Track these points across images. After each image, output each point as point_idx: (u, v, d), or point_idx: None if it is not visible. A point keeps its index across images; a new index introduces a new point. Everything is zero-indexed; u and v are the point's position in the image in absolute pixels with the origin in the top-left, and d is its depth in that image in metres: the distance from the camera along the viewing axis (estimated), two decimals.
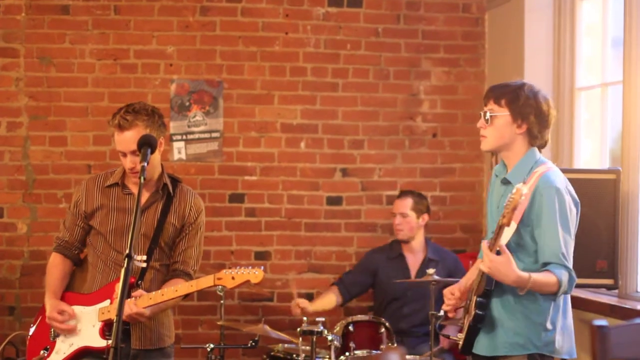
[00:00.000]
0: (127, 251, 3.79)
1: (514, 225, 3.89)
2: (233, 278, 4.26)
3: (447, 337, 5.72)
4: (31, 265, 6.66)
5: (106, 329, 4.36)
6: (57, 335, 4.50)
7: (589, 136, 6.16)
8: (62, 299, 4.53)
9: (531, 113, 4.05)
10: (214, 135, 6.82)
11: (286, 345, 5.83)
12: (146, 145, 4.16)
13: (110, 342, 3.73)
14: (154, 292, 4.34)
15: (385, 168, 6.98)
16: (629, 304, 5.24)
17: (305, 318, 5.57)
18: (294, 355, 5.65)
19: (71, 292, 4.59)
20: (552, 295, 3.96)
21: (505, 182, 4.12)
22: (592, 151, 6.13)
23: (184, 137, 6.79)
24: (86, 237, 4.62)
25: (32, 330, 4.68)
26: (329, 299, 6.38)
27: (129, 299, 4.26)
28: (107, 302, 4.41)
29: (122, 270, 3.75)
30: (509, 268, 3.83)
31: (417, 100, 7.01)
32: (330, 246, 6.93)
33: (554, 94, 6.24)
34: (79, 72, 6.73)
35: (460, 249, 6.90)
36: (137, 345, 4.48)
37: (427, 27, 7.00)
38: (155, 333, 4.54)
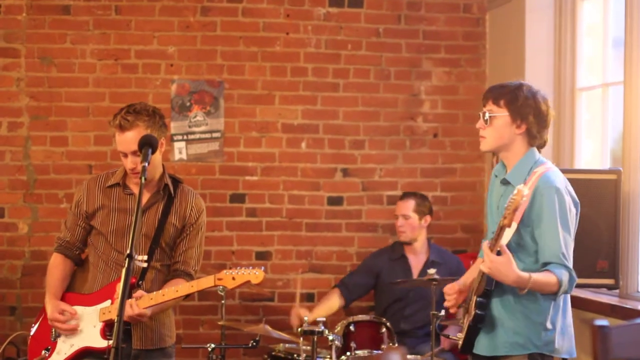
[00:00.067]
0: (128, 251, 3.80)
1: (514, 226, 3.90)
2: (233, 278, 4.26)
3: (447, 336, 5.73)
4: (32, 265, 6.66)
5: (107, 330, 4.36)
6: (58, 336, 4.50)
7: (589, 136, 6.16)
8: (63, 299, 4.53)
9: (530, 113, 4.05)
10: (215, 135, 6.82)
11: (287, 345, 5.83)
12: (147, 145, 4.16)
13: (111, 342, 3.73)
14: (154, 293, 4.34)
15: (386, 168, 6.98)
16: (629, 304, 5.24)
17: (306, 318, 5.57)
18: (295, 355, 5.64)
19: (72, 292, 4.59)
20: (552, 295, 3.96)
21: (505, 182, 4.12)
22: (593, 151, 6.13)
23: (185, 137, 6.79)
24: (87, 237, 4.62)
25: (33, 330, 4.68)
26: (332, 303, 6.37)
27: (129, 300, 4.26)
28: (108, 303, 4.41)
29: (123, 270, 3.76)
30: (509, 268, 3.83)
31: (418, 101, 7.01)
32: (331, 246, 6.93)
33: (554, 95, 6.24)
34: (79, 72, 6.73)
35: (461, 249, 6.90)
36: (138, 345, 4.48)
37: (428, 27, 7.00)
38: (156, 333, 4.54)
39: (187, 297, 4.46)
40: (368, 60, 6.95)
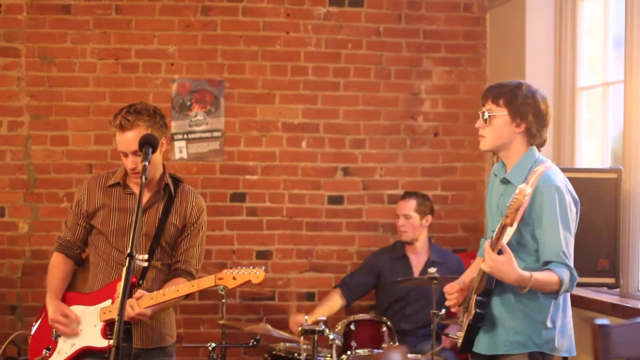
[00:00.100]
0: (129, 250, 3.80)
1: (515, 224, 3.90)
2: (234, 278, 4.27)
3: (446, 335, 5.74)
4: (32, 264, 6.67)
5: (108, 329, 4.36)
6: (59, 335, 4.50)
7: (590, 136, 6.16)
8: (64, 298, 4.54)
9: (529, 112, 4.06)
10: (215, 134, 6.82)
11: (288, 344, 5.83)
12: (147, 144, 4.17)
13: (111, 341, 3.73)
14: (155, 292, 4.34)
15: (387, 167, 6.98)
16: (630, 303, 5.25)
17: (306, 317, 5.57)
18: (296, 354, 5.64)
19: (73, 291, 4.59)
20: (553, 294, 3.96)
21: (505, 181, 4.12)
22: (593, 150, 6.13)
23: (185, 136, 6.79)
24: (88, 236, 4.62)
25: (33, 329, 4.68)
26: (333, 303, 6.38)
27: (130, 300, 4.26)
28: (108, 302, 4.41)
29: (124, 270, 3.76)
30: (510, 267, 3.83)
31: (418, 100, 7.01)
32: (331, 245, 6.93)
33: (555, 94, 6.24)
34: (80, 71, 6.73)
35: (461, 248, 6.90)
36: (138, 344, 4.49)
37: (428, 26, 7.00)
38: (157, 332, 4.54)
39: (188, 296, 4.46)
40: (368, 59, 6.95)
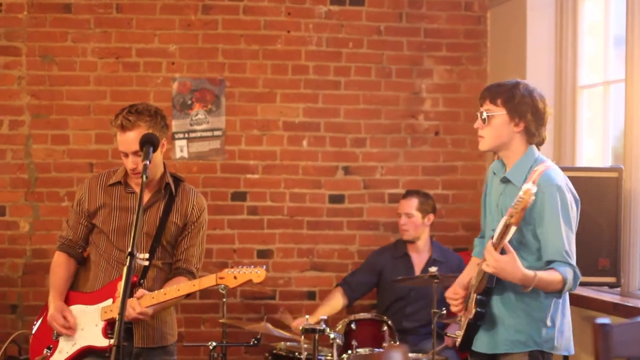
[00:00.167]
0: (129, 249, 3.81)
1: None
2: (235, 277, 4.26)
3: (445, 334, 5.74)
4: (33, 263, 6.67)
5: (109, 328, 4.36)
6: (59, 335, 4.50)
7: (591, 134, 6.16)
8: (65, 298, 4.53)
9: (528, 111, 4.06)
10: (216, 133, 6.82)
11: (288, 343, 5.83)
12: (148, 143, 4.17)
13: (112, 341, 3.73)
14: (156, 292, 4.34)
15: (388, 166, 6.98)
16: (631, 302, 5.25)
17: (307, 316, 5.57)
18: (296, 354, 5.64)
19: (74, 291, 4.59)
20: (556, 293, 3.96)
21: (505, 180, 4.12)
22: (594, 149, 6.13)
23: (186, 135, 6.79)
24: (89, 235, 4.62)
25: (34, 328, 4.68)
26: (335, 303, 6.38)
27: (131, 299, 4.26)
28: (109, 301, 4.41)
29: (125, 269, 3.76)
30: (515, 267, 3.83)
31: (419, 99, 7.01)
32: (332, 244, 6.93)
33: (556, 93, 6.24)
34: (81, 70, 6.73)
35: (462, 247, 6.89)
36: (139, 343, 4.49)
37: (429, 25, 7.00)
38: (158, 331, 4.54)
39: (189, 295, 4.46)
40: (369, 58, 6.95)
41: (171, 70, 6.79)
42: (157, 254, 4.52)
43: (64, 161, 6.71)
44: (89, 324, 4.44)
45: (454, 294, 4.25)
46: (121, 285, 3.80)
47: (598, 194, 5.26)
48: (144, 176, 4.03)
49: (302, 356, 5.43)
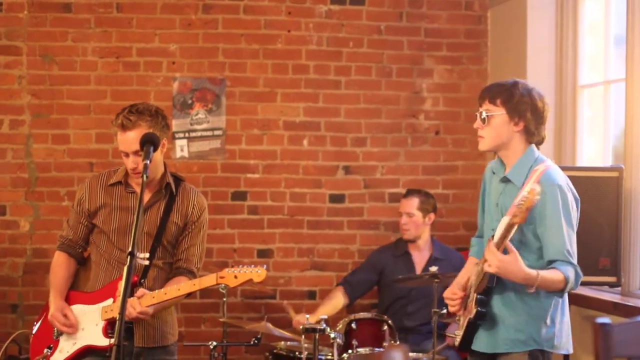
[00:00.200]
0: (130, 249, 3.81)
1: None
2: (236, 277, 4.27)
3: (444, 334, 5.73)
4: (34, 263, 6.67)
5: (109, 328, 4.36)
6: (60, 334, 4.50)
7: (591, 134, 6.16)
8: (66, 297, 4.54)
9: (527, 110, 4.07)
10: (217, 133, 6.82)
11: (289, 342, 5.83)
12: (148, 143, 4.17)
13: (113, 340, 3.73)
14: (157, 291, 4.34)
15: (388, 166, 6.98)
16: (631, 302, 5.25)
17: (307, 316, 5.57)
18: (297, 353, 5.64)
19: (74, 290, 4.59)
20: (558, 292, 3.97)
21: (505, 180, 4.13)
22: (594, 149, 6.13)
23: (187, 134, 6.79)
24: (89, 235, 4.62)
25: (35, 328, 4.68)
26: (336, 302, 6.38)
27: (132, 299, 4.27)
28: (110, 301, 4.41)
29: (125, 268, 3.76)
30: (517, 266, 3.84)
31: (419, 98, 7.01)
32: (332, 244, 6.93)
33: (556, 92, 6.24)
34: (81, 70, 6.73)
35: (463, 246, 6.88)
36: (140, 343, 4.49)
37: (429, 24, 7.00)
38: (158, 331, 4.54)
39: (190, 295, 4.46)
40: (370, 57, 6.95)
41: (172, 69, 6.79)
42: (157, 253, 4.52)
43: (65, 161, 6.71)
44: (90, 324, 4.44)
45: (453, 294, 4.26)
46: (122, 284, 3.80)
47: (598, 193, 5.25)
48: (145, 176, 4.03)
49: (302, 356, 5.43)
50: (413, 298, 6.27)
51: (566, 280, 3.90)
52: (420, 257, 6.39)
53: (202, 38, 6.81)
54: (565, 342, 4.12)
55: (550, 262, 3.95)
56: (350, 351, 5.50)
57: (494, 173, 4.24)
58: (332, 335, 5.37)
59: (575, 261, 3.95)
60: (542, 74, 6.26)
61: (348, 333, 5.60)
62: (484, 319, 4.07)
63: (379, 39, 6.96)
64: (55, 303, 4.48)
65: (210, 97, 6.81)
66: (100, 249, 4.56)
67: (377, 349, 5.53)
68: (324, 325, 5.33)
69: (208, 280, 4.32)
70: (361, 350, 5.51)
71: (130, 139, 4.36)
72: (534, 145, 4.15)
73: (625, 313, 5.10)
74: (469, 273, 4.29)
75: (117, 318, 3.68)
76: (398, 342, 5.62)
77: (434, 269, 5.58)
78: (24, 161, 6.68)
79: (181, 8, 6.79)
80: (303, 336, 5.42)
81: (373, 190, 6.97)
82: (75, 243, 4.62)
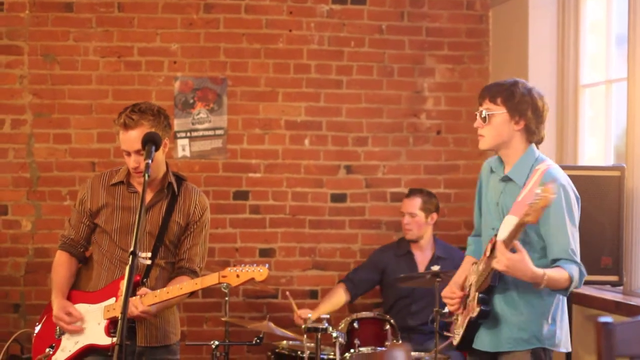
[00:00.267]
0: (132, 248, 3.81)
1: (515, 221, 3.89)
2: (238, 276, 4.27)
3: (442, 333, 5.72)
4: (36, 262, 6.66)
5: (111, 327, 4.37)
6: (62, 333, 4.51)
7: (593, 133, 6.16)
8: (68, 297, 4.54)
9: (528, 109, 4.08)
10: (218, 132, 6.82)
11: (291, 342, 5.83)
12: (150, 142, 4.18)
13: (115, 339, 3.73)
14: (159, 290, 4.35)
15: (390, 165, 6.97)
16: (634, 301, 5.25)
17: (309, 315, 5.57)
18: (299, 352, 5.64)
19: (76, 290, 4.59)
20: (563, 290, 3.98)
21: (506, 179, 4.13)
22: (596, 148, 6.13)
23: (188, 134, 6.79)
24: (91, 235, 4.63)
25: (37, 328, 4.68)
26: (337, 299, 6.38)
27: (134, 297, 4.27)
28: (112, 300, 4.41)
29: (127, 268, 3.77)
30: (525, 265, 3.84)
31: (421, 98, 7.01)
32: (334, 243, 6.93)
33: (558, 91, 6.25)
34: (83, 69, 6.73)
35: (465, 245, 6.86)
36: (142, 342, 4.50)
37: (431, 24, 7.00)
38: (161, 330, 4.55)
39: (192, 294, 4.46)
40: (371, 57, 6.95)
41: (173, 69, 6.79)
42: (160, 253, 4.52)
43: (66, 160, 6.71)
44: (92, 323, 4.45)
45: (452, 293, 4.26)
46: (124, 284, 3.80)
47: (600, 192, 5.25)
48: (146, 175, 4.03)
49: (304, 355, 5.43)
50: (417, 297, 6.26)
51: (571, 279, 3.91)
52: (422, 256, 6.39)
53: (203, 37, 6.81)
54: (565, 340, 4.15)
55: (555, 260, 3.96)
56: (352, 350, 5.50)
57: (492, 172, 4.24)
58: (334, 335, 5.37)
59: (579, 259, 3.97)
60: (543, 73, 6.26)
61: (350, 332, 5.60)
62: (487, 317, 4.07)
63: (381, 39, 6.96)
64: (57, 302, 4.49)
65: (211, 97, 6.81)
66: (103, 249, 4.56)
67: (379, 348, 5.53)
68: (326, 324, 5.34)
69: (210, 279, 4.32)
70: (363, 349, 5.52)
71: (132, 138, 4.37)
72: (534, 145, 4.15)
73: (628, 312, 5.11)
74: (466, 272, 4.31)
75: (120, 317, 3.68)
76: (400, 341, 5.62)
77: (435, 268, 5.58)
78: (25, 161, 6.68)
79: (182, 7, 6.79)
80: (305, 335, 5.42)
81: (374, 189, 6.97)
82: (76, 243, 4.63)
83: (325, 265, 6.91)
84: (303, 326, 5.41)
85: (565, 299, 4.15)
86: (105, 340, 4.38)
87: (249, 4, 6.84)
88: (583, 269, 3.96)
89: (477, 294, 4.08)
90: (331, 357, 5.52)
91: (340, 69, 6.92)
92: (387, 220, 6.93)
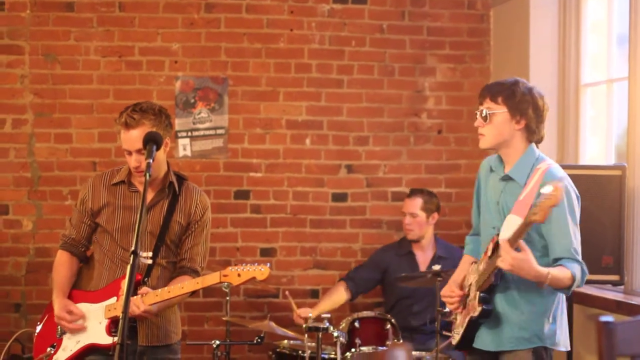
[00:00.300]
0: (133, 248, 3.81)
1: (518, 220, 3.90)
2: (239, 275, 4.27)
3: (440, 334, 5.72)
4: (37, 262, 6.67)
5: (112, 326, 4.37)
6: (63, 333, 4.51)
7: (594, 132, 6.16)
8: (69, 296, 4.54)
9: (529, 108, 4.09)
10: (219, 132, 6.82)
11: (292, 341, 5.83)
12: (151, 142, 4.17)
13: (116, 339, 3.73)
14: (160, 289, 4.35)
15: (391, 164, 6.97)
16: (635, 300, 5.25)
17: (310, 314, 5.57)
18: (300, 352, 5.65)
19: (78, 289, 4.59)
20: (565, 289, 3.98)
21: (507, 178, 4.13)
22: (597, 147, 6.13)
23: (189, 134, 6.79)
24: (92, 234, 4.63)
25: (39, 328, 4.69)
26: (337, 297, 6.38)
27: (135, 297, 4.27)
28: (113, 299, 4.42)
29: (128, 267, 3.77)
30: (530, 264, 3.85)
31: (422, 97, 7.01)
32: (335, 243, 6.93)
33: (559, 91, 6.25)
34: (84, 69, 6.73)
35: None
36: (143, 342, 4.50)
37: (432, 23, 7.00)
38: (162, 330, 4.55)
39: (193, 293, 4.47)
40: (372, 56, 6.95)
41: (174, 68, 6.79)
42: (161, 252, 4.52)
43: (67, 160, 6.71)
44: (93, 322, 4.45)
45: (451, 292, 4.26)
46: (125, 283, 3.80)
47: (601, 192, 5.25)
48: (147, 174, 4.03)
49: (305, 354, 5.44)
50: (418, 297, 6.26)
51: (573, 278, 3.91)
52: (424, 256, 6.39)
53: (204, 37, 6.81)
54: (564, 339, 4.16)
55: (557, 260, 3.96)
56: (353, 350, 5.50)
57: (492, 171, 4.24)
58: (335, 334, 5.37)
59: (580, 258, 3.97)
60: (544, 72, 6.26)
61: (351, 332, 5.60)
62: (488, 317, 4.07)
63: (381, 38, 6.96)
64: (58, 302, 4.49)
65: (212, 96, 6.82)
66: (104, 248, 4.56)
67: (380, 347, 5.53)
68: (327, 324, 5.34)
69: (211, 278, 4.32)
70: (364, 349, 5.52)
71: (133, 138, 4.37)
72: (534, 144, 4.16)
73: (629, 311, 5.11)
74: (465, 271, 4.31)
75: (121, 316, 3.69)
76: (401, 341, 5.62)
77: (436, 267, 5.58)
78: (26, 160, 6.68)
79: (183, 7, 6.79)
80: (306, 335, 5.42)
81: (375, 189, 6.96)
82: (77, 242, 4.63)
83: (326, 264, 6.91)
84: (304, 325, 5.41)
85: (565, 298, 4.15)
86: (106, 340, 4.38)
87: (250, 4, 6.84)
88: (585, 268, 3.97)
89: (478, 293, 4.08)
90: (332, 356, 5.52)
91: (341, 68, 6.92)
92: (388, 220, 6.93)
